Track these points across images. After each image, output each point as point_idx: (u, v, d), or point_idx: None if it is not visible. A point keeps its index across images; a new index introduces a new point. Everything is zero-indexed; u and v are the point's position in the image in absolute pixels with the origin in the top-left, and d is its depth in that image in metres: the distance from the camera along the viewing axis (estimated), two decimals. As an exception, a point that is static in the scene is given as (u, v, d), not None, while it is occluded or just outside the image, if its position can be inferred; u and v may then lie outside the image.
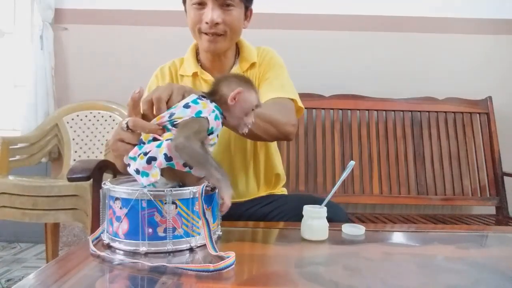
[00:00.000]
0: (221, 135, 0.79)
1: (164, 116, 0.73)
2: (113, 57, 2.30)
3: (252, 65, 1.15)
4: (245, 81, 0.81)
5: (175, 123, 0.72)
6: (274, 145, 1.22)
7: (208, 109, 0.74)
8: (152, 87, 1.16)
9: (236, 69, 1.14)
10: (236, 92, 0.75)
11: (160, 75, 1.18)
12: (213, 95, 0.79)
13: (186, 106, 0.74)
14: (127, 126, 0.73)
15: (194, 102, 0.75)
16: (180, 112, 0.73)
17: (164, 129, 0.73)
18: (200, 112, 0.73)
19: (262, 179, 1.19)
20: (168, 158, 0.69)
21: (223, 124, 0.79)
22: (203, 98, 0.77)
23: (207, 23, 1.02)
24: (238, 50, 1.18)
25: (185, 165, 0.71)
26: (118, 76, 2.29)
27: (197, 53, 1.18)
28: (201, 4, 1.03)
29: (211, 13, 1.01)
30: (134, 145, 0.72)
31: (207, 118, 0.73)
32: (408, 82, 2.27)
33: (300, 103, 1.12)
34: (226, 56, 1.13)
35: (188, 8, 1.07)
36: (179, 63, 1.19)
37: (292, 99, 1.09)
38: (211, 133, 0.74)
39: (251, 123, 0.80)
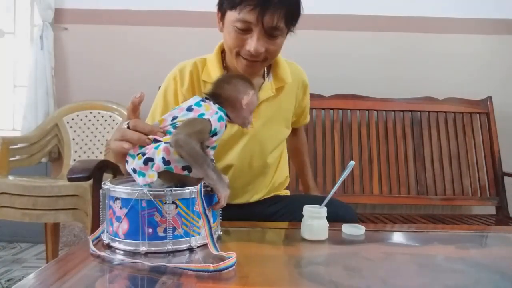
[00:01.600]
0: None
1: (167, 120, 0.74)
2: (113, 57, 2.30)
3: (284, 85, 1.11)
4: (250, 83, 0.82)
5: (177, 126, 0.72)
6: (285, 147, 1.23)
7: (211, 111, 0.74)
8: (168, 90, 1.07)
9: (268, 84, 1.08)
10: (249, 97, 0.79)
11: (179, 79, 1.06)
12: (216, 97, 0.79)
13: (189, 109, 0.74)
14: (128, 127, 0.73)
15: (197, 104, 0.75)
16: (182, 115, 0.73)
17: (165, 133, 0.73)
18: (202, 114, 0.73)
19: (277, 181, 1.20)
20: (166, 162, 0.69)
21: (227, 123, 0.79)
22: (206, 100, 0.77)
23: (249, 51, 0.94)
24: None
25: (183, 168, 0.70)
26: (118, 76, 2.29)
27: (222, 56, 1.08)
28: (246, 30, 0.94)
29: (256, 44, 0.93)
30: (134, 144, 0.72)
31: (209, 120, 0.73)
32: (408, 82, 2.27)
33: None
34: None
35: (230, 29, 0.96)
36: (201, 66, 1.08)
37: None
38: (214, 134, 0.74)
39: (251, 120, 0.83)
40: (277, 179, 1.20)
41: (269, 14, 0.92)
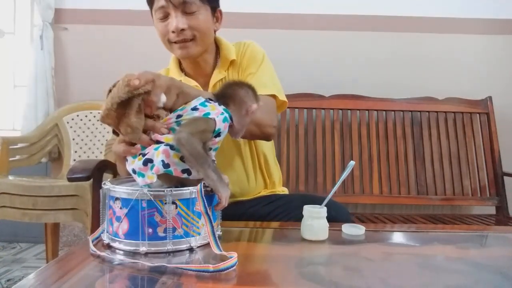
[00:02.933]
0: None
1: (171, 118, 0.73)
2: (113, 57, 2.30)
3: (232, 62, 1.12)
4: (257, 93, 0.82)
5: (182, 123, 0.72)
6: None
7: (217, 111, 0.74)
8: None
9: (218, 70, 1.12)
10: (255, 107, 0.79)
11: None
12: (224, 97, 0.79)
13: (194, 108, 0.74)
14: None
15: (202, 104, 0.74)
16: (187, 115, 0.73)
17: (169, 130, 0.72)
18: (208, 113, 0.73)
19: (271, 177, 1.20)
20: (165, 165, 0.69)
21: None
22: (210, 101, 0.76)
23: (173, 32, 1.02)
24: (218, 50, 1.15)
25: (183, 171, 0.70)
26: (118, 76, 2.28)
27: (180, 62, 1.17)
28: (165, 16, 1.02)
29: (175, 21, 1.01)
30: (134, 144, 0.72)
31: (214, 120, 0.73)
32: (408, 82, 2.27)
33: (282, 97, 1.10)
34: (205, 60, 1.11)
35: (156, 23, 1.06)
36: (165, 74, 1.16)
37: (273, 95, 1.08)
38: (218, 135, 0.74)
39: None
40: (274, 174, 1.21)
41: None
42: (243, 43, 1.16)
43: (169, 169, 0.69)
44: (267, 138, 1.04)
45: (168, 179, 0.71)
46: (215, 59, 1.14)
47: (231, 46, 1.15)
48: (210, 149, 0.76)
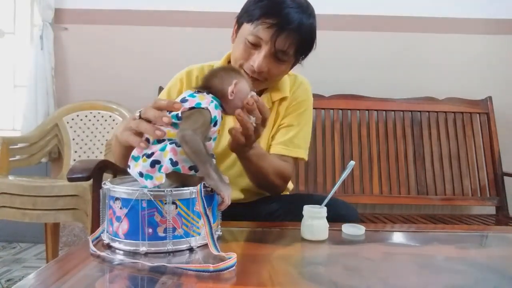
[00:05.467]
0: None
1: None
2: (113, 57, 2.30)
3: (283, 98, 1.10)
4: (235, 72, 0.82)
5: (179, 115, 0.71)
6: None
7: (207, 100, 0.75)
8: (173, 89, 1.09)
9: (266, 97, 1.08)
10: (234, 86, 0.77)
11: (185, 81, 1.09)
12: (207, 90, 0.79)
13: (183, 100, 0.74)
14: (139, 116, 0.73)
15: (191, 96, 0.76)
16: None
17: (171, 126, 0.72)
18: (199, 103, 0.73)
19: None
20: (174, 163, 0.69)
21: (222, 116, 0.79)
22: (199, 92, 0.77)
23: (252, 66, 0.96)
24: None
25: (190, 168, 0.70)
26: (118, 76, 2.29)
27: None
28: (256, 45, 0.96)
29: (261, 60, 0.95)
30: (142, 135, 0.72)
31: (208, 109, 0.73)
32: (408, 82, 2.27)
33: (305, 155, 1.12)
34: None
35: (240, 39, 0.99)
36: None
37: (296, 158, 1.10)
38: (215, 123, 0.74)
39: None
40: None
41: (283, 37, 0.95)
42: (299, 81, 1.14)
43: (178, 166, 0.69)
44: (277, 190, 1.06)
45: (175, 177, 0.71)
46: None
47: (286, 80, 1.11)
48: (210, 138, 0.76)
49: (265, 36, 0.95)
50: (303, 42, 1.01)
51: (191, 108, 0.72)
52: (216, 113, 0.74)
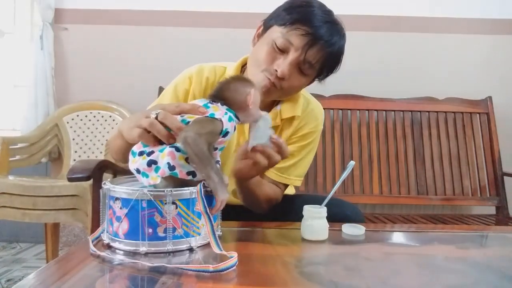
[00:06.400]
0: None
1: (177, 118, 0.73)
2: (113, 57, 2.30)
3: (292, 117, 1.05)
4: (246, 81, 0.81)
5: (188, 121, 0.71)
6: None
7: (221, 111, 0.74)
8: (180, 85, 1.04)
9: (277, 111, 1.04)
10: (252, 96, 0.76)
11: (194, 80, 1.03)
12: (219, 100, 0.78)
13: None
14: (156, 118, 0.71)
15: (205, 106, 0.74)
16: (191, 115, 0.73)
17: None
18: (213, 114, 0.72)
19: None
20: (171, 167, 0.68)
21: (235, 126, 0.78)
22: (213, 103, 0.76)
23: (276, 70, 0.91)
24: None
25: (188, 173, 0.70)
26: (118, 76, 2.29)
27: (242, 70, 1.05)
28: (283, 51, 0.92)
29: (287, 67, 0.90)
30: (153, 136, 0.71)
31: (221, 120, 0.72)
32: (408, 82, 2.27)
33: (299, 183, 1.10)
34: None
35: (266, 40, 0.94)
36: (220, 74, 1.04)
37: (287, 185, 1.08)
38: (225, 135, 0.74)
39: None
40: None
41: (315, 49, 0.92)
42: (312, 105, 1.10)
43: (175, 171, 0.69)
44: (261, 212, 1.02)
45: (172, 180, 0.71)
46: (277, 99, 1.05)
47: (300, 99, 1.07)
48: (216, 148, 0.75)
49: (297, 43, 0.90)
50: (331, 61, 0.98)
51: None
52: (228, 125, 0.73)
